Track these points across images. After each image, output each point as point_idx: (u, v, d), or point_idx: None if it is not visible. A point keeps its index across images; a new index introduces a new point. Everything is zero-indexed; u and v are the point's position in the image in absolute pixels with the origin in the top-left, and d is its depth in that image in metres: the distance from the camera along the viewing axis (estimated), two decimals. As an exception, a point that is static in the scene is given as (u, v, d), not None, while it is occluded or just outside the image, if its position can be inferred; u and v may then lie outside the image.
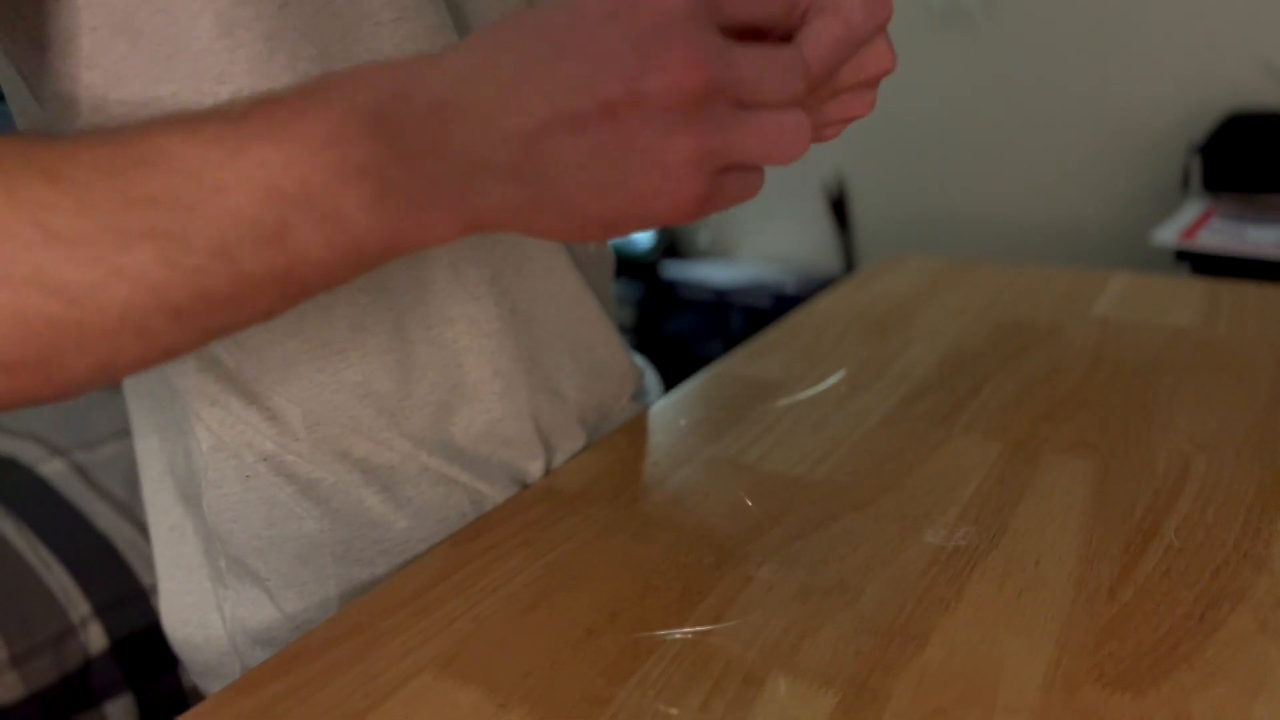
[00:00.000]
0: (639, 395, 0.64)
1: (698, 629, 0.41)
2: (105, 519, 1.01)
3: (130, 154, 0.29)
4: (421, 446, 0.50)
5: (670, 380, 0.75)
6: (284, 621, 0.51)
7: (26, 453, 1.08)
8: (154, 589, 0.98)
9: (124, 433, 1.11)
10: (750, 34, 0.33)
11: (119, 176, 0.28)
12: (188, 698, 0.97)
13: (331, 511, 0.49)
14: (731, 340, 2.16)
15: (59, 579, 0.94)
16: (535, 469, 0.55)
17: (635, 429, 0.60)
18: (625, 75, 0.29)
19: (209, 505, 0.50)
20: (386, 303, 0.48)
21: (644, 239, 2.40)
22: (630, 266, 2.39)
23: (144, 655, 0.96)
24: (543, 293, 0.53)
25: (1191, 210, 1.60)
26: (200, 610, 0.54)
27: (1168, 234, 1.51)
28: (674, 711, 0.36)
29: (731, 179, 0.32)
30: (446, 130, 0.30)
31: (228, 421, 0.48)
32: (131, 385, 0.53)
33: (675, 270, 2.38)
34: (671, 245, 2.50)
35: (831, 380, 0.53)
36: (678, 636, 0.40)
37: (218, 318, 0.32)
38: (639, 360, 0.69)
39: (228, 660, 0.53)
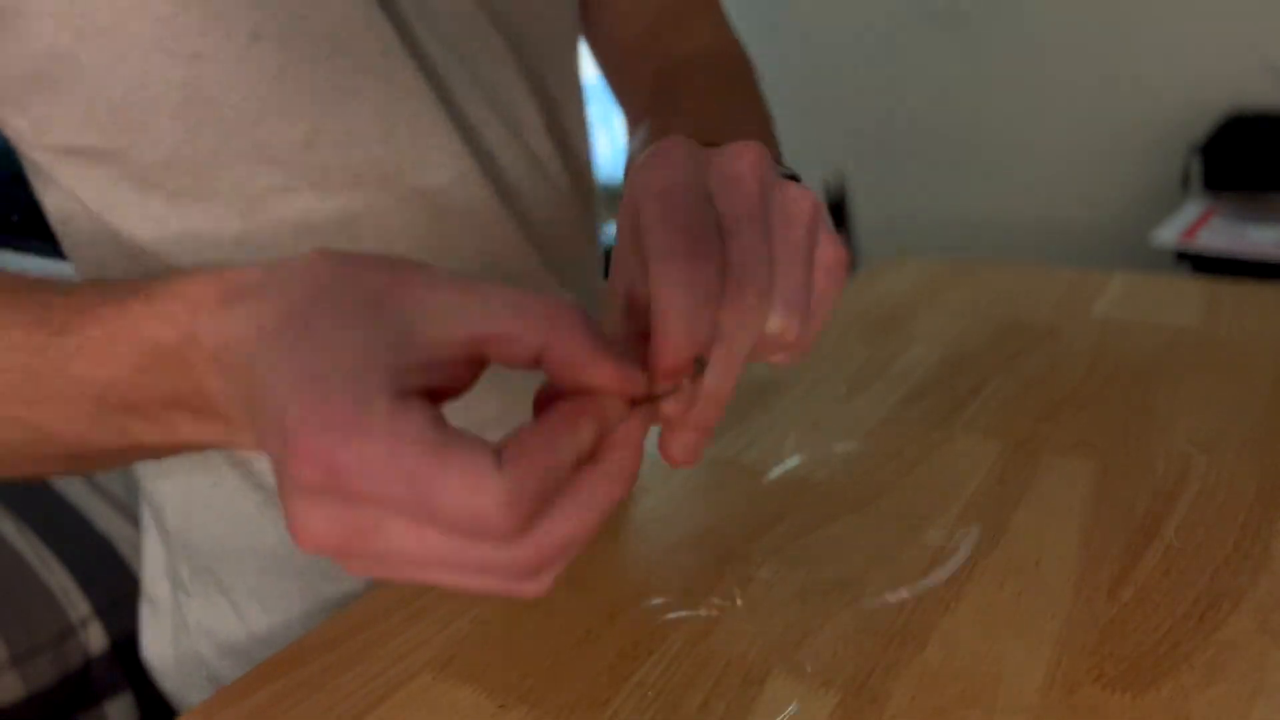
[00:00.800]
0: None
1: (701, 612, 0.41)
2: (105, 519, 1.01)
3: None
4: None
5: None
6: (247, 632, 0.50)
7: (26, 453, 1.08)
8: (154, 589, 0.98)
9: (124, 433, 1.11)
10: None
11: None
12: (188, 698, 0.97)
13: None
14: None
15: (59, 579, 0.94)
16: None
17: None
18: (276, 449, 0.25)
19: (174, 512, 0.49)
20: None
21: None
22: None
23: (144, 655, 0.95)
24: None
25: (1191, 210, 1.60)
26: (164, 619, 0.54)
27: (1168, 234, 1.51)
28: (674, 712, 0.36)
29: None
30: (223, 384, 0.28)
31: None
32: None
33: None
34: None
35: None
36: (678, 633, 0.40)
37: (112, 462, 0.36)
38: None
39: (194, 670, 0.52)
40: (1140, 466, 0.51)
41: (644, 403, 0.28)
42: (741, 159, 0.31)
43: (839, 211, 2.20)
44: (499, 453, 0.24)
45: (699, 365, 0.29)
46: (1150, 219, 1.82)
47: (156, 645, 0.55)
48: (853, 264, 2.21)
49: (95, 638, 0.93)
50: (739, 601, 0.42)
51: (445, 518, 0.23)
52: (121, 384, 0.30)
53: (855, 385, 0.63)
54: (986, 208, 2.12)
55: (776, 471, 0.53)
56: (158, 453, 0.34)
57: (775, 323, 0.31)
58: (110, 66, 0.38)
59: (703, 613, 0.42)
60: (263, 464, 0.48)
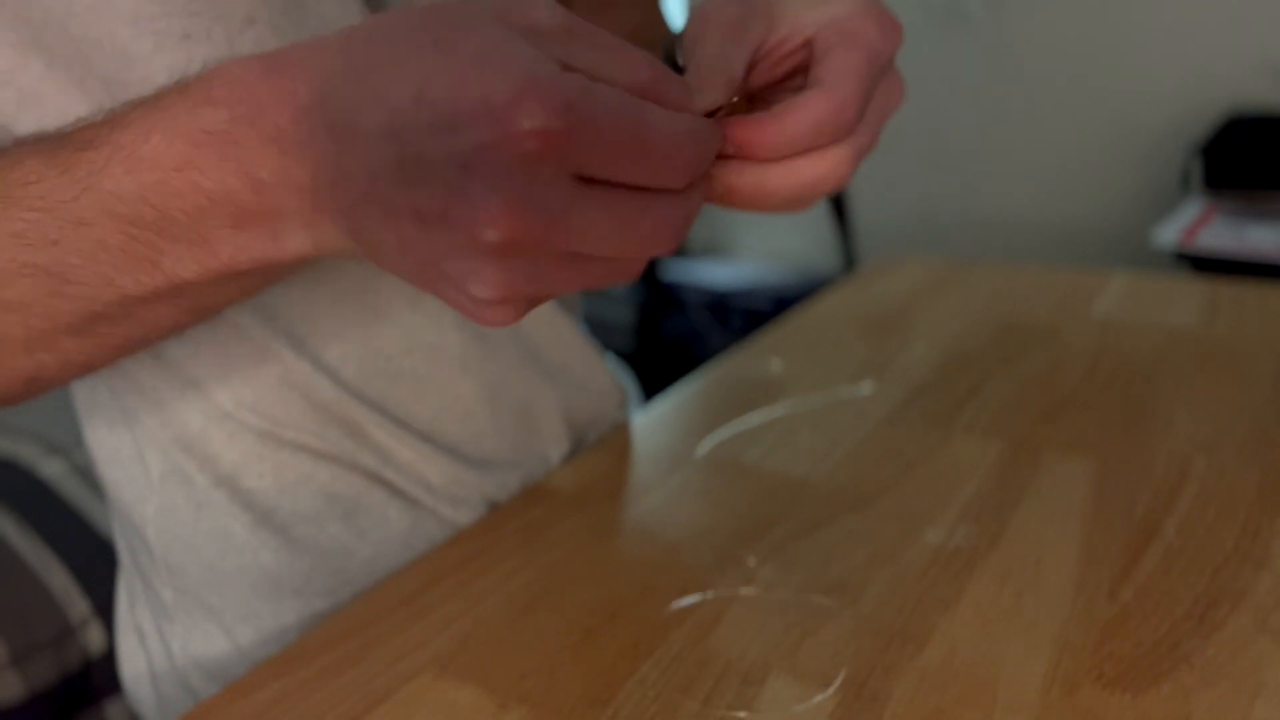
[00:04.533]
0: (623, 410, 0.62)
1: (710, 594, 0.41)
2: (105, 519, 1.01)
3: None
4: (386, 471, 0.49)
5: (670, 380, 0.74)
6: (238, 655, 0.49)
7: (26, 453, 1.08)
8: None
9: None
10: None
11: None
12: (188, 698, 0.97)
13: (290, 541, 0.48)
14: (731, 341, 2.16)
15: (59, 579, 0.94)
16: (506, 493, 0.53)
17: (634, 430, 0.60)
18: (439, 195, 0.25)
19: (157, 535, 0.48)
20: (343, 334, 0.47)
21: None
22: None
23: (144, 655, 0.95)
24: None
25: (1191, 210, 1.60)
26: (144, 649, 0.53)
27: (1168, 234, 1.51)
28: (674, 712, 0.36)
29: (568, 275, 0.28)
30: (285, 164, 0.28)
31: (182, 443, 0.46)
32: (86, 411, 0.50)
33: (675, 270, 2.38)
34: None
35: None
36: (678, 633, 0.40)
37: (122, 332, 0.32)
38: (622, 377, 0.69)
39: (179, 700, 0.51)
40: (1140, 466, 0.51)
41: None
42: (898, 91, 0.36)
43: (839, 211, 2.20)
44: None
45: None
46: (1150, 219, 1.82)
47: (136, 677, 0.54)
48: (852, 264, 2.21)
49: (95, 638, 0.93)
50: (745, 589, 0.42)
51: (667, 139, 0.26)
52: (158, 190, 0.28)
53: (855, 385, 0.63)
54: (986, 208, 2.12)
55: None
56: (187, 299, 0.31)
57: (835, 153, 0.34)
58: (98, 43, 0.38)
59: (711, 594, 0.42)
60: (252, 482, 0.47)
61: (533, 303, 0.29)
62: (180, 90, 0.29)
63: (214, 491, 0.47)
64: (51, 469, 1.05)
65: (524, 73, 0.24)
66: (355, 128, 0.26)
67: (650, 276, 2.38)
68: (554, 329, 0.54)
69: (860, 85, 0.33)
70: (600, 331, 2.35)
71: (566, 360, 0.56)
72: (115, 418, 0.48)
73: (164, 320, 0.33)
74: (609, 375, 0.59)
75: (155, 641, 0.52)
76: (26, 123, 0.39)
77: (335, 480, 0.48)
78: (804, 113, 0.32)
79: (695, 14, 0.35)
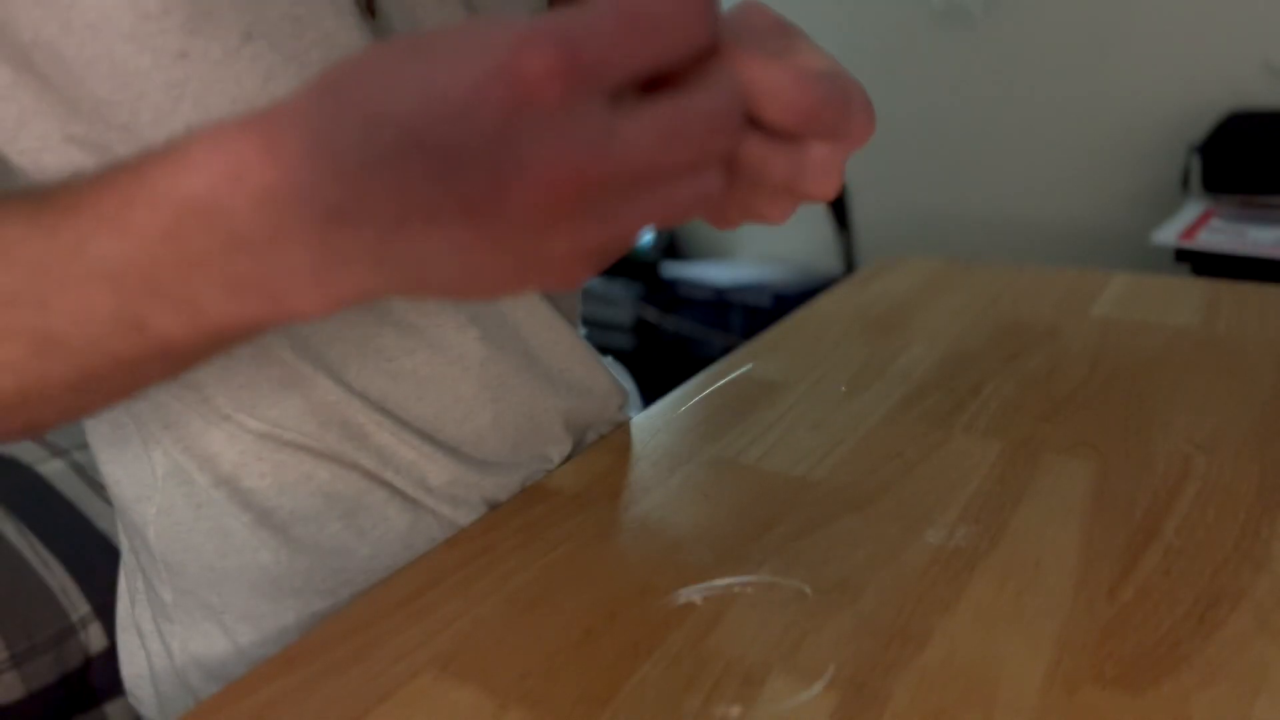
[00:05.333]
0: (624, 411, 0.62)
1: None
2: (105, 519, 1.01)
3: None
4: (386, 471, 0.49)
5: (670, 380, 0.74)
6: (237, 655, 0.49)
7: (26, 453, 1.08)
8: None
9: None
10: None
11: None
12: (188, 698, 0.97)
13: (290, 541, 0.48)
14: (731, 340, 2.16)
15: (59, 579, 0.93)
16: (506, 493, 0.53)
17: (634, 430, 0.60)
18: (483, 176, 0.24)
19: (158, 535, 0.48)
20: (344, 335, 0.47)
21: (642, 238, 2.40)
22: (630, 266, 2.39)
23: (144, 655, 0.95)
24: (511, 320, 0.52)
25: (1191, 210, 1.60)
26: (144, 649, 0.53)
27: (1168, 234, 1.51)
28: (674, 712, 0.36)
29: (635, 212, 0.26)
30: (283, 220, 0.26)
31: (183, 444, 0.46)
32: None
33: (675, 270, 2.38)
34: (671, 244, 2.51)
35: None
36: (678, 633, 0.40)
37: (119, 384, 0.32)
38: (622, 377, 0.68)
39: (179, 700, 0.51)
40: (1140, 466, 0.51)
41: None
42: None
43: (839, 211, 2.20)
44: None
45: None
46: (1150, 219, 1.82)
47: (136, 676, 0.54)
48: (852, 264, 2.21)
49: (95, 638, 0.93)
50: (749, 587, 0.42)
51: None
52: (144, 258, 0.27)
53: (855, 385, 0.63)
54: (986, 208, 2.12)
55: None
56: (179, 357, 0.31)
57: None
58: (92, 63, 0.37)
59: (718, 582, 0.42)
60: (252, 481, 0.47)
61: (609, 251, 0.27)
62: (160, 157, 0.27)
63: (214, 491, 0.47)
64: (51, 469, 1.05)
65: (508, 34, 0.24)
66: (364, 157, 0.25)
67: (650, 276, 2.38)
68: (552, 332, 0.54)
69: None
70: (600, 331, 2.35)
71: (567, 364, 0.56)
72: (118, 418, 0.48)
73: (157, 376, 0.33)
74: (609, 377, 0.59)
75: (155, 641, 0.52)
76: (25, 141, 0.39)
77: (335, 480, 0.48)
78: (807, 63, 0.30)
79: None
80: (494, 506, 0.53)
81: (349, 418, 0.47)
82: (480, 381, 0.51)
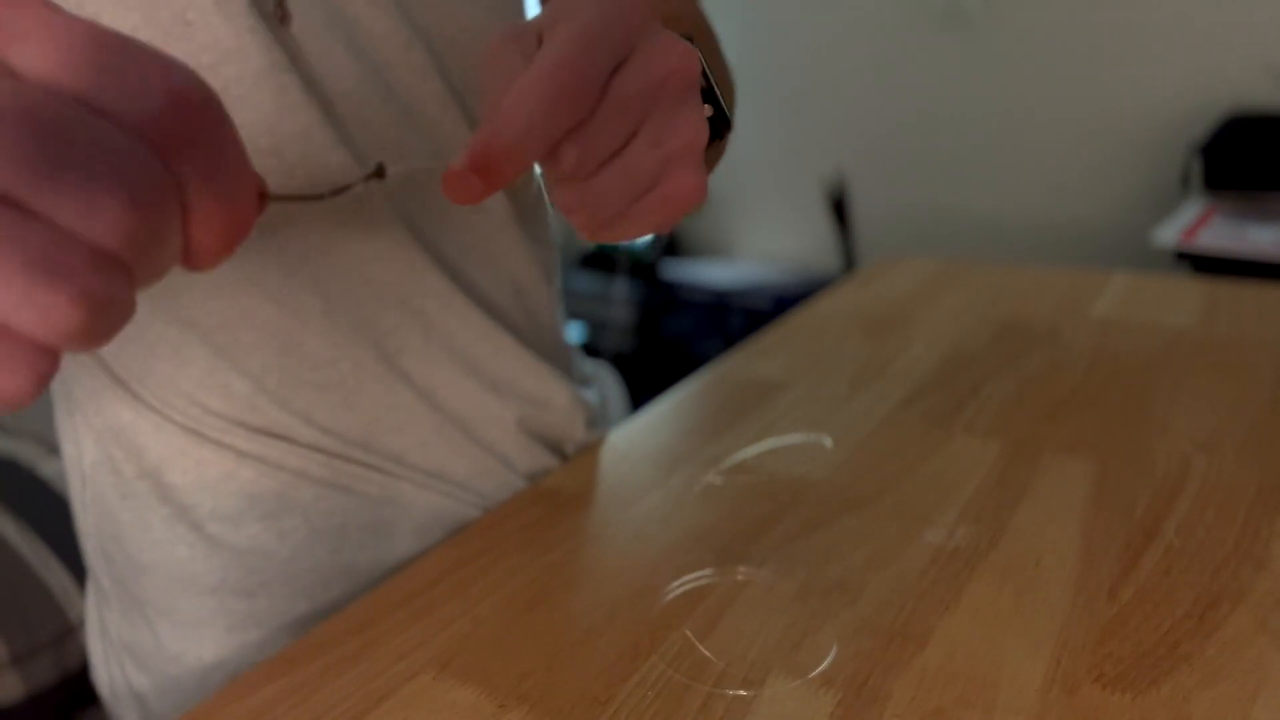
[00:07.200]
0: (594, 425, 0.59)
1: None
2: (105, 519, 1.01)
3: None
4: (312, 474, 0.48)
5: (670, 380, 0.74)
6: (158, 648, 0.49)
7: (26, 453, 1.08)
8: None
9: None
10: None
11: None
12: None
13: (206, 539, 0.48)
14: (731, 340, 2.16)
15: (59, 579, 0.93)
16: (455, 502, 0.52)
17: (634, 430, 0.60)
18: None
19: (92, 522, 0.49)
20: (265, 345, 0.46)
21: (642, 238, 2.39)
22: (630, 266, 2.39)
23: (144, 655, 0.95)
24: (442, 330, 0.50)
25: (1191, 210, 1.60)
26: (93, 634, 0.53)
27: (1168, 234, 1.51)
28: (674, 712, 0.36)
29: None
30: None
31: (112, 433, 0.47)
32: (54, 397, 0.50)
33: (675, 270, 2.38)
34: (671, 245, 2.51)
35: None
36: (678, 633, 0.40)
37: None
38: (610, 385, 0.68)
39: (120, 686, 0.52)
40: (1140, 466, 0.51)
41: None
42: (670, 56, 0.30)
43: (839, 211, 2.20)
44: None
45: None
46: (1150, 219, 1.82)
47: (95, 658, 0.55)
48: (852, 264, 2.21)
49: (95, 638, 0.93)
50: (741, 576, 0.42)
51: None
52: None
53: (855, 385, 0.63)
54: (986, 208, 2.12)
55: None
56: None
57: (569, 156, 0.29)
58: None
59: (710, 573, 0.42)
60: (174, 476, 0.47)
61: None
62: None
63: (138, 483, 0.47)
64: (51, 469, 1.05)
65: None
66: None
67: (650, 276, 2.38)
68: (490, 343, 0.52)
69: (571, 50, 0.29)
70: (600, 332, 2.35)
71: (513, 375, 0.53)
72: (62, 405, 0.49)
73: None
74: (569, 392, 0.56)
75: (97, 626, 0.53)
76: None
77: (258, 480, 0.47)
78: (518, 92, 0.28)
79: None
80: (453, 517, 0.52)
81: (274, 423, 0.47)
82: (414, 391, 0.49)
